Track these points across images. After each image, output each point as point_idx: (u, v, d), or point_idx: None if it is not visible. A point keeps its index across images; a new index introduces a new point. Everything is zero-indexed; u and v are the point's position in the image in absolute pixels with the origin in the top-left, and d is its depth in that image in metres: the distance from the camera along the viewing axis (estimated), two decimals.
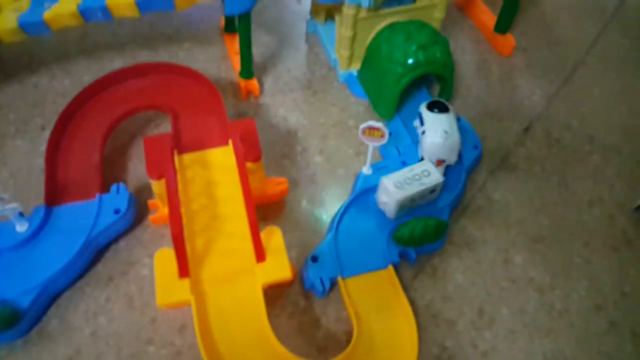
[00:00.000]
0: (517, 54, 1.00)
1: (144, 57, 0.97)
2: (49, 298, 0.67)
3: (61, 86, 0.91)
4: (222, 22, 1.01)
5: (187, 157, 0.71)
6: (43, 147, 0.80)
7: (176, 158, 0.70)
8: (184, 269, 0.60)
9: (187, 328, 0.65)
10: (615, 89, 0.96)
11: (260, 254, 0.59)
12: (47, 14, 0.76)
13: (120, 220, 0.71)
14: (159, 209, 0.73)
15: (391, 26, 0.84)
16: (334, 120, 0.89)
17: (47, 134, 0.82)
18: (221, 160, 0.71)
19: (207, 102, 0.79)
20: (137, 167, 0.81)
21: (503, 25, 0.98)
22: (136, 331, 0.65)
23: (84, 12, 0.76)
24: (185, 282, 0.60)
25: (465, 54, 1.00)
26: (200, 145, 0.73)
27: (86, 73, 0.93)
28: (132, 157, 0.83)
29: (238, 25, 0.83)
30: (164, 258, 0.59)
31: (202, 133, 0.75)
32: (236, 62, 0.94)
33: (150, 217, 0.74)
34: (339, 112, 0.90)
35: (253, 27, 0.83)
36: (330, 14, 1.01)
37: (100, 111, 0.79)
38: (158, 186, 0.67)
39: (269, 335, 0.58)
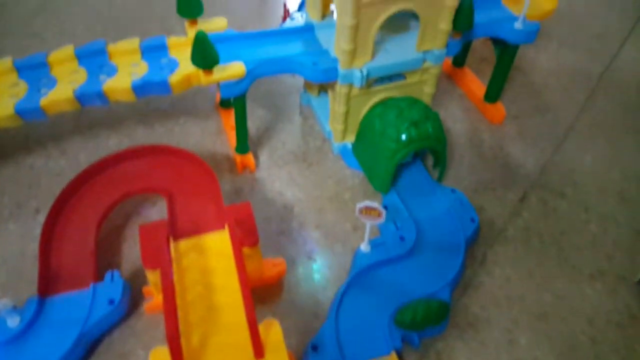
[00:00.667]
0: (508, 122, 1.02)
1: (140, 133, 0.98)
2: None
3: (57, 166, 0.91)
4: (218, 96, 1.02)
5: (183, 244, 0.71)
6: (37, 231, 0.79)
7: (172, 245, 0.69)
8: None
9: None
10: (607, 155, 0.97)
11: (258, 351, 0.57)
12: (43, 101, 0.77)
13: (115, 311, 0.69)
14: (154, 296, 0.72)
15: (384, 103, 0.86)
16: (330, 194, 0.89)
17: (41, 218, 0.82)
18: (218, 245, 0.70)
19: (203, 185, 0.79)
20: (132, 249, 0.80)
21: (493, 94, 1.01)
22: None
23: (80, 98, 0.77)
24: None
25: (456, 123, 1.01)
26: (196, 229, 0.73)
27: (82, 152, 0.94)
28: (127, 238, 0.82)
29: (233, 105, 0.84)
30: (160, 358, 0.57)
31: (198, 216, 0.75)
32: (232, 136, 0.95)
33: (146, 305, 0.72)
34: (334, 185, 0.91)
35: (247, 100, 0.84)
36: (323, 87, 1.03)
37: (96, 195, 0.79)
38: (153, 276, 0.66)
39: None
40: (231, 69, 0.78)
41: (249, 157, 0.92)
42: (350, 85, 0.84)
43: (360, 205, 0.71)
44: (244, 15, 1.28)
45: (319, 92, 1.03)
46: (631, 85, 1.12)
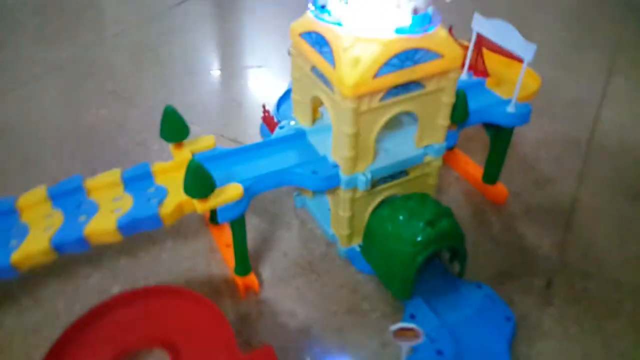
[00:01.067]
0: (511, 200, 0.99)
1: (124, 265, 0.88)
2: None
3: (31, 321, 0.79)
4: (207, 213, 0.95)
5: None
6: None
7: None
8: None
9: None
10: (618, 224, 0.95)
11: None
12: (15, 256, 0.67)
13: None
14: None
15: (390, 204, 0.81)
16: (347, 306, 0.81)
17: None
18: None
19: (211, 330, 0.69)
20: None
21: (492, 176, 0.98)
22: None
23: (58, 247, 0.68)
24: None
25: (460, 209, 0.97)
26: None
27: (59, 298, 0.82)
28: None
29: (232, 227, 0.77)
30: None
31: None
32: (228, 255, 0.87)
33: None
34: (349, 295, 0.83)
35: None
36: None
37: (86, 354, 0.68)
38: None
39: None
40: (228, 193, 0.71)
41: (251, 277, 0.83)
42: (354, 189, 0.79)
43: (394, 328, 0.64)
44: (223, 122, 1.24)
45: (314, 193, 0.98)
46: (621, 148, 1.13)
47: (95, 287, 0.84)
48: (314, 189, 0.79)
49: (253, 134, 1.18)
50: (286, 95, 1.12)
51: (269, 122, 1.13)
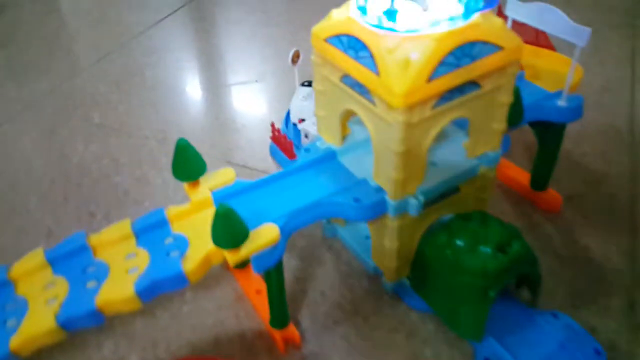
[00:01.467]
0: (565, 206, 0.88)
1: (140, 327, 0.75)
2: None
3: None
4: None
5: None
6: None
7: None
8: None
9: None
10: None
11: None
12: (14, 341, 0.54)
13: None
14: None
15: (446, 228, 0.69)
16: (406, 354, 0.70)
17: None
18: None
19: None
20: None
21: (542, 181, 0.88)
22: None
23: (66, 325, 0.56)
24: None
25: (511, 221, 0.86)
26: None
27: None
28: None
29: (266, 277, 0.65)
30: None
31: None
32: (259, 303, 0.75)
33: None
34: (406, 341, 0.71)
35: None
36: None
37: None
38: None
39: None
40: (263, 237, 0.59)
41: (291, 329, 0.72)
42: (404, 215, 0.68)
43: None
44: (227, 146, 1.11)
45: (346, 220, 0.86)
46: None
47: (110, 357, 0.72)
48: (358, 219, 0.67)
49: (263, 157, 1.06)
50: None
51: (279, 141, 1.01)
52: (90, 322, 0.56)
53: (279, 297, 0.68)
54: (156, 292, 0.58)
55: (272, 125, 1.00)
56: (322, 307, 0.77)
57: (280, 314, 0.70)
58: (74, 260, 0.61)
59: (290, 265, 0.83)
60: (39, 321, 0.56)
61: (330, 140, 0.75)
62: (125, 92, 1.33)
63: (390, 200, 0.66)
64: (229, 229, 0.55)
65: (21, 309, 0.58)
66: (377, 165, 0.66)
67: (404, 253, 0.72)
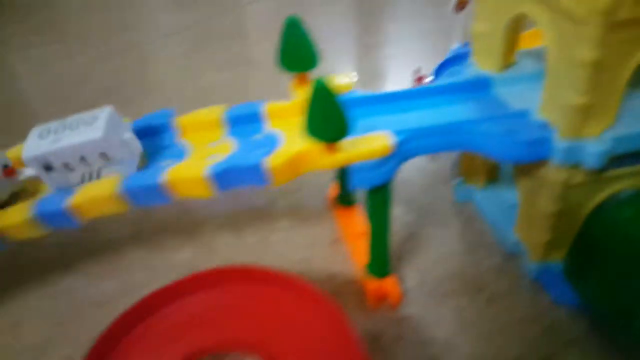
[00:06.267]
0: None
1: (222, 244, 0.67)
2: None
3: (102, 291, 0.62)
4: (333, 191, 0.71)
5: None
6: None
7: None
8: None
9: None
10: None
11: None
12: (72, 200, 0.49)
13: None
14: None
15: (633, 201, 0.48)
16: (541, 353, 0.50)
17: None
18: None
19: (329, 341, 0.45)
20: None
21: None
22: None
23: (130, 194, 0.49)
24: None
25: None
26: None
27: (139, 270, 0.64)
28: None
29: (370, 201, 0.51)
30: None
31: None
32: (357, 249, 0.61)
33: None
34: (542, 336, 0.52)
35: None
36: (491, 175, 0.68)
37: (147, 351, 0.47)
38: None
39: None
40: (369, 142, 0.46)
41: (391, 282, 0.57)
42: (574, 168, 0.48)
43: None
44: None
45: (487, 181, 0.68)
46: None
47: (184, 263, 0.65)
48: (506, 157, 0.49)
49: None
50: (451, 62, 0.85)
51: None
52: (156, 198, 0.49)
53: (381, 236, 0.53)
54: (230, 180, 0.47)
55: (417, 71, 0.85)
56: (434, 272, 0.60)
57: (381, 258, 0.55)
58: (158, 137, 0.55)
59: (406, 220, 0.68)
60: (102, 185, 0.50)
61: (486, 66, 0.57)
62: (271, 33, 1.28)
63: (561, 140, 0.47)
64: (327, 111, 0.42)
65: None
66: (549, 89, 0.48)
67: (562, 224, 0.52)
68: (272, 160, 0.47)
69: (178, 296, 0.52)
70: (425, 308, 0.56)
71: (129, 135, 0.49)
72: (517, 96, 0.53)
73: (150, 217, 0.72)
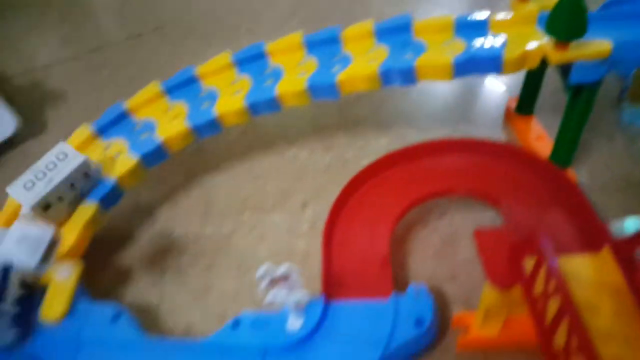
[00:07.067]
0: None
1: (413, 136, 0.82)
2: None
3: (322, 162, 0.80)
4: (511, 102, 0.83)
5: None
6: (304, 227, 0.70)
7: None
8: None
9: None
10: None
11: None
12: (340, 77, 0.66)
13: (422, 337, 0.50)
14: (470, 327, 0.52)
15: None
16: None
17: (309, 213, 0.72)
18: (585, 272, 0.48)
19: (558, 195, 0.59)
20: (420, 266, 0.62)
21: None
22: None
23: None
24: None
25: None
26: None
27: (349, 149, 0.81)
28: (411, 252, 0.64)
29: (577, 99, 0.64)
30: None
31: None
32: (537, 149, 0.74)
33: (460, 339, 0.52)
34: None
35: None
36: None
37: (392, 191, 0.64)
38: (493, 297, 0.46)
39: None
40: (594, 45, 0.58)
41: (570, 173, 0.70)
42: None
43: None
44: None
45: None
46: None
47: (385, 147, 0.81)
48: None
49: None
50: None
51: None
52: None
53: (576, 125, 0.66)
54: (469, 68, 0.62)
55: None
56: (604, 174, 0.71)
57: (569, 147, 0.68)
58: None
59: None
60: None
61: None
62: None
63: None
64: (573, 15, 0.55)
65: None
66: None
67: None
68: (508, 53, 0.61)
69: (415, 157, 0.68)
70: (598, 200, 0.68)
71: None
72: None
73: (349, 111, 0.88)
